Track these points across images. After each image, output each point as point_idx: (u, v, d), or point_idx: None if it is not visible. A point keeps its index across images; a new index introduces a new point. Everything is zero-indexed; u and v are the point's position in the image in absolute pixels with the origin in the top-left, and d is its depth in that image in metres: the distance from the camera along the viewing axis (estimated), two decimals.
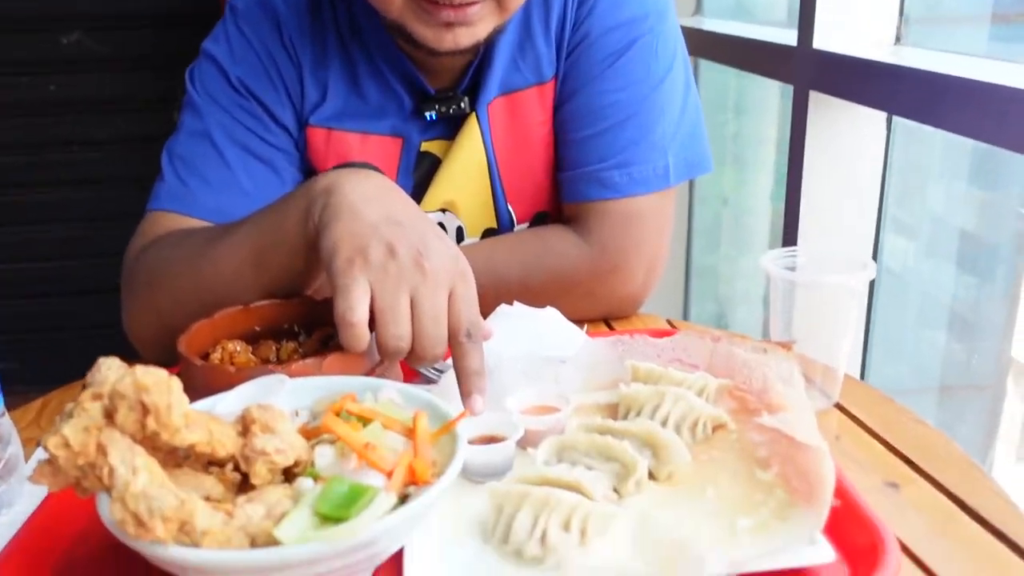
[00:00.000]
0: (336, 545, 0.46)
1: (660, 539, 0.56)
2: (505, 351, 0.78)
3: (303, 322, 0.83)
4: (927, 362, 2.14)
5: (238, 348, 0.78)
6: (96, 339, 0.62)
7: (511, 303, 0.90)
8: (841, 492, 0.58)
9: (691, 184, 2.47)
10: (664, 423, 0.69)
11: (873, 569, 0.52)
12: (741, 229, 2.60)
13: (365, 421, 0.58)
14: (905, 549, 0.58)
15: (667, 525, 0.58)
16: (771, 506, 0.60)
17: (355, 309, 0.66)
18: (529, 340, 0.86)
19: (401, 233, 0.67)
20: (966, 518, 0.62)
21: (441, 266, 0.67)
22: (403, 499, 0.52)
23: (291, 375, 0.66)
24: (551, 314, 0.90)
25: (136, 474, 0.46)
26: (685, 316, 2.61)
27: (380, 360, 0.75)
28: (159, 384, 0.48)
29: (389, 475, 0.53)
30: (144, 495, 0.45)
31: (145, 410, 0.48)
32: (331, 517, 0.48)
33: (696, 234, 2.57)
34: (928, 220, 2.05)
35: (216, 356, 0.76)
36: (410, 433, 0.57)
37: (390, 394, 0.63)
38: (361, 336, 0.67)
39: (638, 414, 0.71)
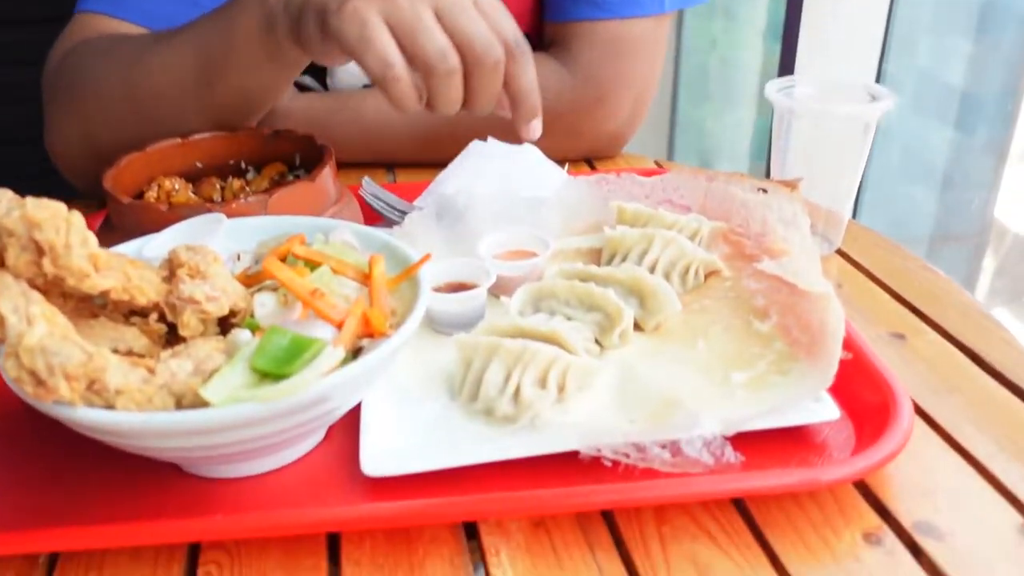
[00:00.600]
0: (271, 407, 0.39)
1: (647, 395, 0.51)
2: (479, 190, 0.70)
3: (252, 158, 0.74)
4: (914, 215, 2.10)
5: (176, 186, 0.69)
6: (28, 191, 0.53)
7: (484, 139, 0.81)
8: (847, 343, 0.52)
9: (678, 30, 2.32)
10: (652, 269, 0.62)
11: (882, 429, 0.47)
12: (729, 82, 2.47)
13: (314, 266, 0.51)
14: (914, 405, 0.53)
15: (654, 379, 0.52)
16: (769, 359, 0.54)
17: (390, 58, 0.54)
18: (505, 179, 0.78)
19: None
20: (978, 371, 0.57)
21: None
22: (356, 353, 0.46)
23: (231, 215, 0.58)
24: (529, 151, 0.81)
25: (32, 324, 0.39)
26: None
27: (338, 198, 0.67)
28: (54, 219, 0.40)
29: (339, 326, 0.46)
30: (42, 349, 0.38)
31: (40, 250, 0.40)
32: (269, 374, 0.42)
33: (682, 86, 2.44)
34: (918, 74, 1.96)
35: (151, 195, 0.68)
36: (365, 279, 0.50)
37: (344, 236, 0.55)
38: (410, 90, 0.55)
39: (624, 259, 0.64)
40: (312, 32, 0.58)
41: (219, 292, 0.46)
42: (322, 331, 0.45)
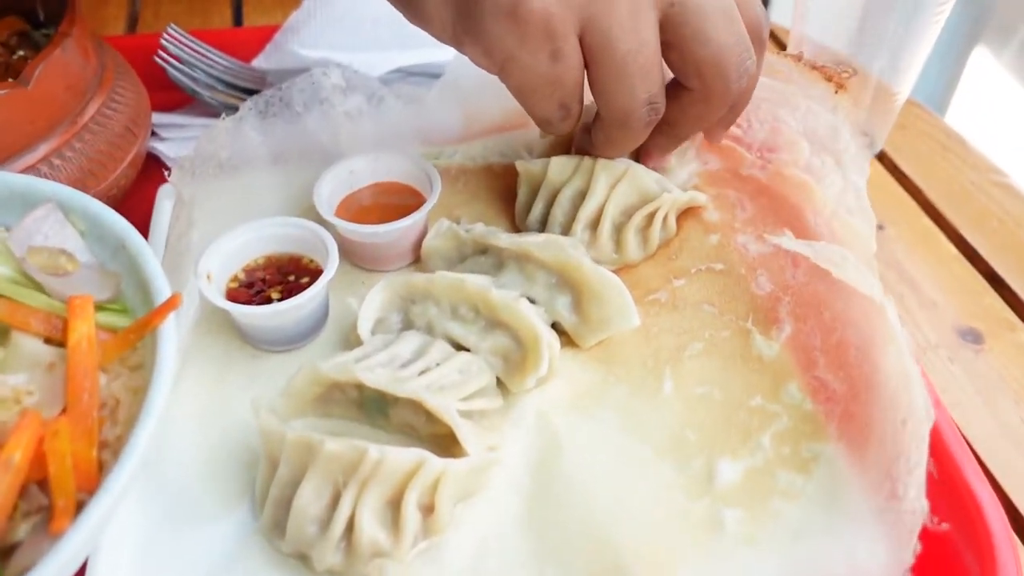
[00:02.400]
0: None
1: (573, 521, 0.30)
2: (331, 60, 0.45)
3: None
4: None
5: None
6: None
7: None
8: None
9: None
10: (596, 223, 0.39)
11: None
12: None
13: None
14: (988, 476, 0.33)
15: (587, 476, 0.31)
16: (778, 427, 0.33)
17: (570, 110, 0.35)
18: (387, 30, 0.52)
19: None
20: None
21: None
22: (8, 553, 0.24)
23: None
24: None
25: None
26: None
27: (100, 84, 0.41)
28: None
29: None
30: None
31: None
32: None
33: None
34: None
35: None
36: (65, 338, 0.27)
37: (47, 224, 0.31)
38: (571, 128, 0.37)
39: (550, 204, 0.40)
40: (436, 5, 0.33)
41: None
42: None
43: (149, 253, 0.30)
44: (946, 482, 0.31)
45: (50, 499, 0.24)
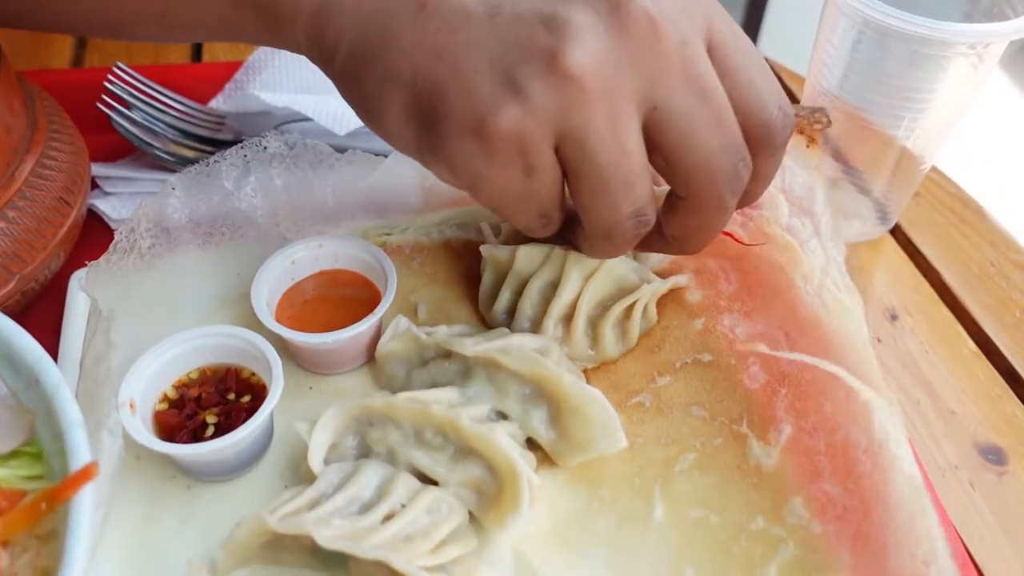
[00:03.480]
0: None
1: None
2: (293, 107, 0.41)
3: None
4: None
5: None
6: None
7: None
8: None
9: None
10: (569, 317, 0.35)
11: None
12: None
13: None
14: None
15: None
16: (785, 558, 0.30)
17: (552, 223, 0.32)
18: (310, 98, 0.47)
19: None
20: None
21: (693, 10, 0.29)
22: None
23: None
24: None
25: None
26: None
27: (31, 142, 0.37)
28: None
29: None
30: None
31: None
32: None
33: None
34: None
35: None
36: None
37: None
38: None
39: (517, 294, 0.36)
40: (396, 121, 0.29)
41: None
42: None
43: (66, 395, 0.26)
44: None
45: None
